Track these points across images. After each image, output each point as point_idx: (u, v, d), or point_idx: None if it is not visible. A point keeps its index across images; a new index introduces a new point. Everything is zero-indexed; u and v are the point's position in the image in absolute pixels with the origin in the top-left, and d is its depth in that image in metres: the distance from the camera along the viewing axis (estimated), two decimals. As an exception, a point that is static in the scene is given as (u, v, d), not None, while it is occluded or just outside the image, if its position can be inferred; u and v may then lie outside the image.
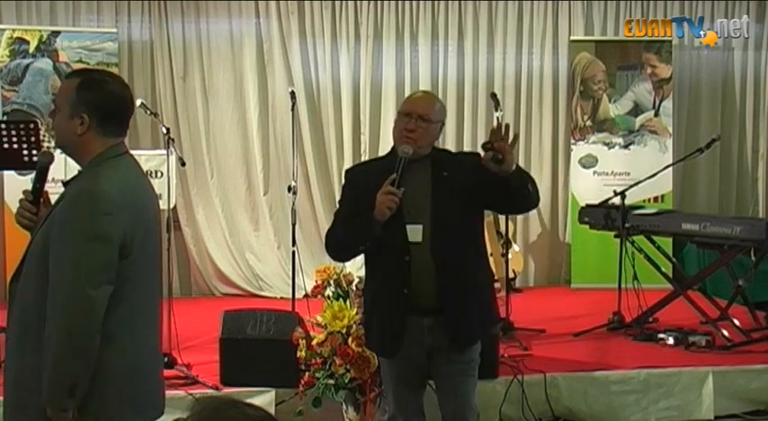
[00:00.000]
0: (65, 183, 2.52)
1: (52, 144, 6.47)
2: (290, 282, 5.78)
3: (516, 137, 3.11)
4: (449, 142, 7.80)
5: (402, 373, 3.35)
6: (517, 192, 3.16)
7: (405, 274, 3.19)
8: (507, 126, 3.09)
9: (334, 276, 4.25)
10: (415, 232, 3.19)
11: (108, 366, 2.40)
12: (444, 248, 3.20)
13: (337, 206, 3.53)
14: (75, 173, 2.55)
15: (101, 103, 2.47)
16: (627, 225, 5.84)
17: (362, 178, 3.35)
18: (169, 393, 4.28)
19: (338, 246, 3.40)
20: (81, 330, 2.32)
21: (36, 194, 2.58)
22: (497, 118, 5.81)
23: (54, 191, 2.61)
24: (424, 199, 3.22)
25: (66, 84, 2.55)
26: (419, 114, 3.25)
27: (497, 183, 3.10)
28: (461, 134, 7.84)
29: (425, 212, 3.21)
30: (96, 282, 2.34)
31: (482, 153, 3.10)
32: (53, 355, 2.32)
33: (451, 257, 3.21)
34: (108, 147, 2.49)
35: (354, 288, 4.25)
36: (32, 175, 2.65)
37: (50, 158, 2.61)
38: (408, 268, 3.19)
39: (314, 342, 4.17)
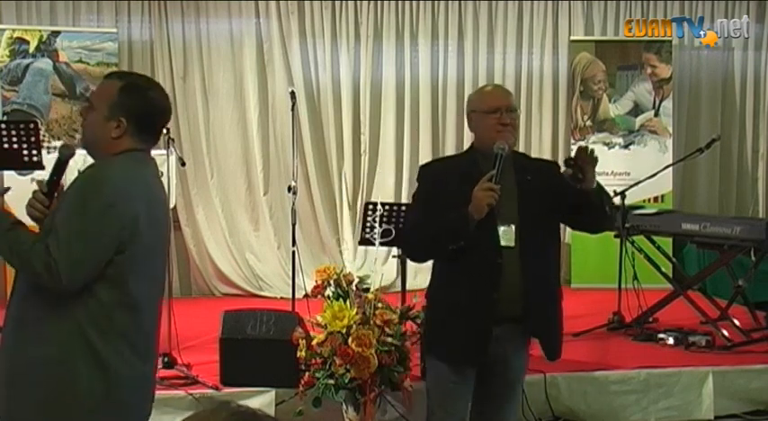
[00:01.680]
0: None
1: (52, 144, 6.49)
2: (290, 282, 5.78)
3: (596, 159, 3.10)
4: (449, 142, 7.82)
5: (460, 383, 3.19)
6: (593, 209, 3.12)
7: (496, 278, 3.06)
8: (593, 150, 3.09)
9: (334, 276, 4.24)
10: (508, 234, 3.08)
11: (115, 364, 2.40)
12: (534, 254, 3.10)
13: (416, 201, 3.34)
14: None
15: (141, 110, 2.48)
16: (627, 225, 5.84)
17: (440, 175, 3.22)
18: (169, 393, 4.33)
19: (425, 245, 3.22)
20: (23, 265, 2.37)
21: (51, 187, 2.53)
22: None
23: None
24: (511, 201, 3.10)
25: (107, 84, 2.53)
26: (507, 106, 3.16)
27: (577, 196, 3.07)
28: (461, 134, 7.83)
29: (514, 215, 3.10)
30: (78, 275, 2.33)
31: (561, 165, 3.10)
32: (27, 247, 2.35)
33: (539, 264, 3.12)
34: (131, 147, 2.48)
35: (354, 288, 4.25)
36: (33, 174, 2.63)
37: (72, 151, 2.58)
38: (500, 272, 3.06)
39: (314, 342, 4.16)
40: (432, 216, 3.11)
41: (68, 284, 2.33)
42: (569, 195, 3.10)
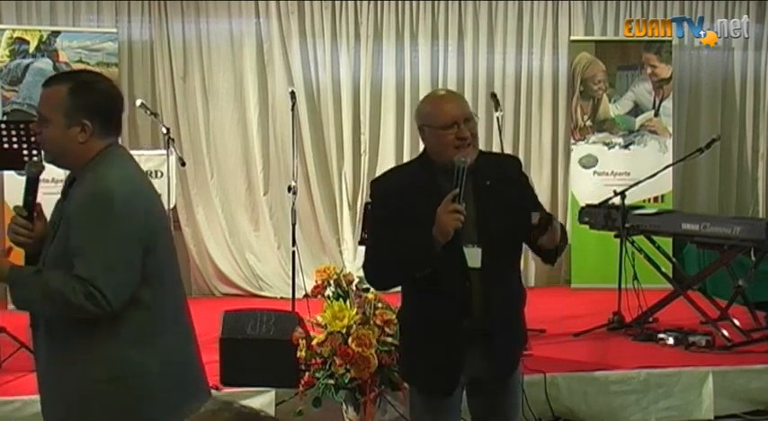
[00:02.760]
0: (64, 191, 2.46)
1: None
2: (290, 282, 5.79)
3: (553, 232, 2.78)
4: (449, 142, 7.81)
5: (441, 413, 2.98)
6: (545, 252, 2.89)
7: (466, 303, 2.85)
8: (550, 220, 2.77)
9: (334, 276, 4.25)
10: (473, 256, 2.82)
11: (161, 362, 2.39)
12: (498, 272, 2.88)
13: (372, 225, 3.09)
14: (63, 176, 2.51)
15: (99, 106, 2.38)
16: (627, 225, 5.84)
17: (395, 193, 2.93)
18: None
19: (389, 275, 2.99)
20: (63, 306, 2.29)
21: (30, 208, 2.45)
22: (497, 118, 5.82)
23: (53, 191, 2.57)
24: (469, 217, 2.79)
25: (51, 92, 2.39)
26: (464, 116, 2.84)
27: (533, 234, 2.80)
28: (461, 134, 7.83)
29: (473, 232, 2.84)
30: (125, 291, 2.32)
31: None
32: (56, 286, 2.28)
33: (504, 281, 2.93)
34: (104, 146, 2.41)
35: (354, 288, 4.25)
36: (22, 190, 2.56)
37: (41, 168, 2.48)
38: (469, 295, 2.85)
39: (314, 342, 4.17)
40: (392, 242, 2.84)
41: (117, 304, 2.30)
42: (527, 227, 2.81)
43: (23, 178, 2.54)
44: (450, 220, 2.72)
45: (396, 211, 2.87)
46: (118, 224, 2.31)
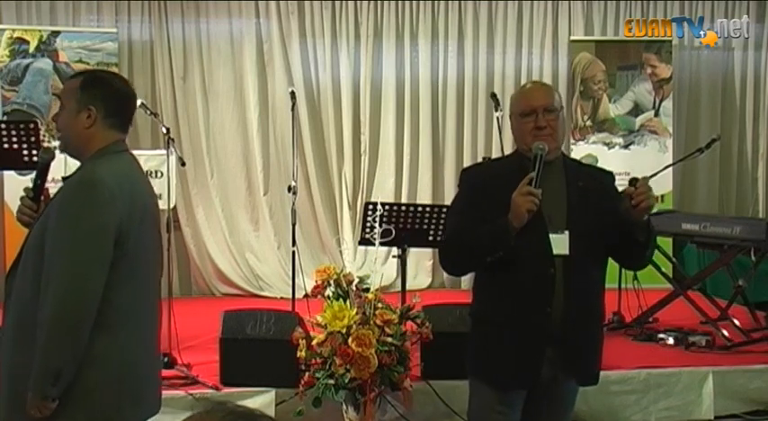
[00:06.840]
0: (64, 179, 2.55)
1: (53, 144, 6.49)
2: (290, 282, 5.78)
3: (649, 190, 2.86)
4: (449, 142, 7.82)
5: (507, 412, 2.94)
6: (636, 246, 2.90)
7: (549, 291, 2.82)
8: (648, 187, 2.86)
9: (334, 276, 4.25)
10: (560, 243, 2.82)
11: (105, 358, 2.41)
12: (584, 266, 2.86)
13: (454, 209, 3.08)
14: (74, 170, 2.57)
15: (107, 97, 2.55)
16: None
17: (481, 179, 3.00)
18: (169, 393, 4.32)
19: (462, 257, 2.95)
20: (73, 319, 2.34)
21: (36, 191, 2.61)
22: (497, 118, 5.81)
23: (54, 190, 2.62)
24: (560, 207, 2.86)
25: (70, 83, 2.63)
26: (543, 107, 2.88)
27: (623, 225, 2.83)
28: (461, 134, 7.84)
29: (563, 222, 2.85)
30: (91, 272, 2.36)
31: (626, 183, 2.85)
32: (43, 342, 2.33)
33: (588, 277, 2.90)
34: (110, 142, 2.54)
35: (354, 288, 4.25)
36: (33, 174, 2.67)
37: (52, 155, 2.65)
38: (553, 283, 2.82)
39: (314, 342, 4.17)
40: (470, 225, 2.86)
41: (89, 285, 2.36)
42: (619, 223, 2.85)
43: (24, 178, 2.61)
44: (523, 202, 2.74)
45: (478, 197, 2.92)
46: (91, 214, 2.39)
